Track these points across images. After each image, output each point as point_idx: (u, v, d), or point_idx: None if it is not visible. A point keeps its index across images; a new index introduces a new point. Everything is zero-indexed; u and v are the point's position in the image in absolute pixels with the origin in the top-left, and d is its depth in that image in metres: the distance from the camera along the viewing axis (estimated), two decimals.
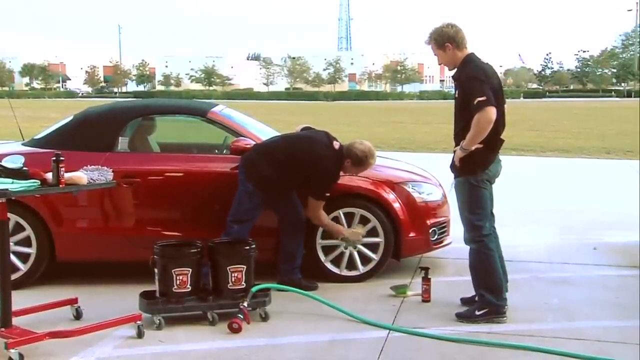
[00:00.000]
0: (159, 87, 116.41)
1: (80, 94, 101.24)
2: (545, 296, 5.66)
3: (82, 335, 4.39)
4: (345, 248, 5.96)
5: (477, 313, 4.96)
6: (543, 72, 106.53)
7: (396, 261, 6.20)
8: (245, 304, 4.87)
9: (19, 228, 5.67)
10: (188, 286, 4.87)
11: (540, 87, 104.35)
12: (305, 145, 5.68)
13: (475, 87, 4.77)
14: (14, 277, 5.15)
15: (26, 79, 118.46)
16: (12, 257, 5.23)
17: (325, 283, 5.83)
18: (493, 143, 4.89)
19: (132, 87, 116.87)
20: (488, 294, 4.97)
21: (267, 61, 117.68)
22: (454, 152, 4.98)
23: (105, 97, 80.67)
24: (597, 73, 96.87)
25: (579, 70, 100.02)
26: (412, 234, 6.03)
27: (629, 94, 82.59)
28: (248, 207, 5.54)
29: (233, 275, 4.97)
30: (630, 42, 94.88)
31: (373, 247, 5.98)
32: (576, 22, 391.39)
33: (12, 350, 4.09)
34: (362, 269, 6.00)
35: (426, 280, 5.44)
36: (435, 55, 5.10)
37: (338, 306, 5.10)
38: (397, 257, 6.13)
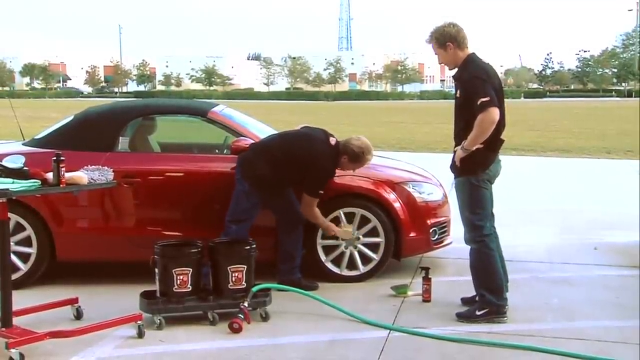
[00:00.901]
0: (160, 87, 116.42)
1: (81, 94, 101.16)
2: (546, 296, 5.66)
3: (82, 335, 4.39)
4: (346, 248, 5.96)
5: (478, 313, 4.96)
6: (543, 72, 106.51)
7: (397, 261, 6.20)
8: (246, 304, 4.87)
9: (19, 228, 5.67)
10: (188, 286, 4.87)
11: (541, 87, 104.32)
12: (301, 142, 5.68)
13: (478, 87, 4.77)
14: (14, 276, 5.16)
15: (27, 79, 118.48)
16: (13, 257, 5.24)
17: (326, 283, 5.83)
18: (494, 143, 4.89)
19: (132, 87, 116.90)
20: (488, 294, 4.97)
21: (268, 61, 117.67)
22: (454, 152, 4.98)
23: (106, 97, 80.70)
24: (598, 73, 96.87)
25: (579, 70, 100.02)
26: (412, 234, 6.03)
27: (629, 94, 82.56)
28: (246, 207, 5.53)
29: (233, 275, 4.97)
30: (630, 42, 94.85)
31: (373, 247, 5.98)
32: (577, 21, 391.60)
33: (12, 350, 4.09)
34: (362, 269, 6.00)
35: (427, 280, 5.44)
36: (436, 54, 5.10)
37: (338, 306, 5.11)
38: (397, 257, 6.13)
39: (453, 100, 5.10)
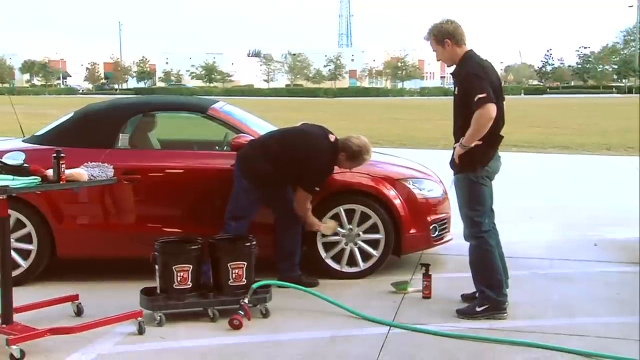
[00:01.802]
0: (160, 84, 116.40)
1: (80, 91, 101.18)
2: (546, 292, 5.66)
3: (83, 332, 4.39)
4: (346, 244, 5.97)
5: (478, 309, 4.97)
6: (544, 69, 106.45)
7: (397, 258, 6.21)
8: (246, 301, 4.87)
9: (19, 225, 5.67)
10: (189, 283, 4.87)
11: (541, 84, 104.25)
12: (300, 138, 5.68)
13: (475, 83, 4.78)
14: (15, 273, 5.17)
15: (26, 76, 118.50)
16: (13, 254, 5.24)
17: (326, 279, 5.84)
18: (492, 139, 4.89)
19: (132, 83, 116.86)
20: (488, 290, 4.97)
21: (268, 58, 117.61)
22: (454, 148, 4.98)
23: (106, 94, 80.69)
24: (598, 69, 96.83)
25: (579, 66, 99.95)
26: (412, 231, 6.03)
27: (629, 90, 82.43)
28: (244, 204, 5.53)
29: (234, 271, 4.98)
30: (631, 38, 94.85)
31: (374, 244, 5.98)
32: (577, 18, 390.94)
33: (13, 347, 4.09)
34: (362, 266, 6.00)
35: (427, 276, 5.45)
36: (434, 51, 5.10)
37: (339, 302, 5.11)
38: (397, 254, 6.13)
39: (453, 97, 5.10)
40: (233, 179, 5.62)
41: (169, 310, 4.86)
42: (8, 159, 4.52)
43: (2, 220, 4.28)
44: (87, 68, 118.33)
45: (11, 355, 4.09)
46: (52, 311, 4.85)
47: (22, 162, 4.49)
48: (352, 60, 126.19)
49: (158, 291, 4.92)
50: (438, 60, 5.19)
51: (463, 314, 5.00)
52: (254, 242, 5.11)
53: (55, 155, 4.37)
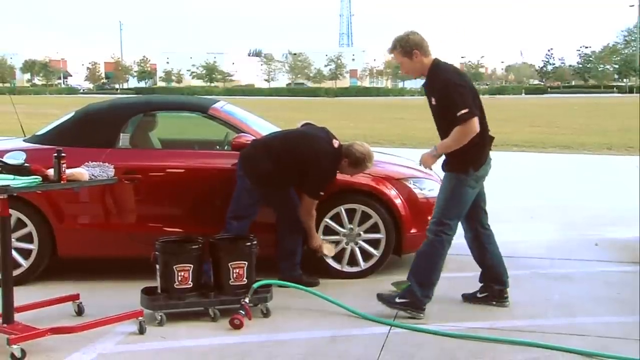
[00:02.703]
0: (160, 84, 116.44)
1: (81, 90, 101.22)
2: (547, 292, 5.66)
3: (83, 331, 4.39)
4: (347, 244, 5.97)
5: (397, 300, 4.98)
6: (544, 68, 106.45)
7: (397, 257, 6.21)
8: (247, 300, 4.88)
9: (20, 224, 5.67)
10: (189, 282, 4.87)
11: (542, 83, 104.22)
12: (304, 141, 5.68)
13: (456, 97, 4.75)
14: (15, 273, 5.18)
15: (27, 76, 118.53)
16: (14, 253, 5.24)
17: (327, 279, 5.84)
18: (486, 139, 4.89)
19: (133, 83, 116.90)
20: (416, 286, 4.95)
21: (269, 57, 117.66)
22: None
23: (107, 94, 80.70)
24: (599, 69, 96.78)
25: (580, 66, 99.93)
26: (413, 230, 6.03)
27: (630, 90, 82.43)
28: (247, 204, 5.54)
29: (234, 271, 4.98)
30: (632, 37, 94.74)
31: (374, 243, 5.98)
32: (578, 18, 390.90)
33: (14, 346, 4.10)
34: (363, 265, 6.00)
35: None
36: (399, 62, 5.07)
37: (339, 302, 5.11)
38: (398, 254, 6.13)
39: (430, 107, 5.04)
40: (234, 179, 5.62)
41: (170, 309, 4.87)
42: (9, 159, 4.52)
43: (3, 220, 4.28)
44: (87, 68, 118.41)
45: (12, 355, 4.10)
46: (53, 311, 4.85)
47: (23, 161, 4.49)
48: (353, 59, 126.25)
49: (159, 291, 4.92)
50: (405, 73, 5.16)
51: (382, 299, 5.02)
52: (255, 242, 5.11)
53: (56, 154, 4.37)
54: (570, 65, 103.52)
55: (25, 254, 5.74)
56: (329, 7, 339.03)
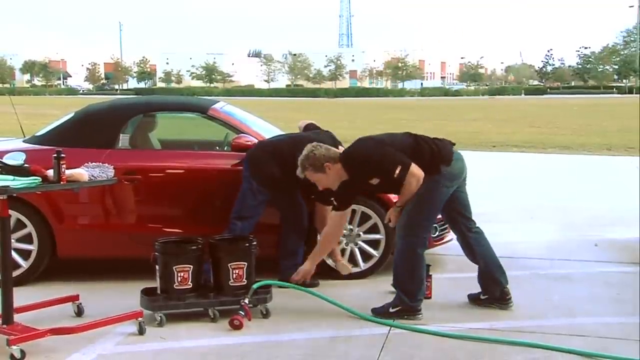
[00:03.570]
0: (160, 84, 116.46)
1: (81, 91, 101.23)
2: (547, 293, 5.66)
3: (83, 332, 4.39)
4: (347, 245, 5.97)
5: (391, 310, 4.95)
6: (544, 69, 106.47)
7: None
8: (247, 301, 4.87)
9: (20, 225, 5.67)
10: (189, 283, 4.87)
11: (541, 84, 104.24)
12: None
13: (382, 163, 4.76)
14: (15, 273, 5.18)
15: (27, 76, 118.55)
16: (14, 254, 5.24)
17: (327, 280, 5.84)
18: (433, 144, 4.93)
19: (133, 84, 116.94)
20: (402, 294, 4.94)
21: (268, 58, 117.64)
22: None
23: (106, 94, 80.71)
24: (599, 70, 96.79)
25: (580, 66, 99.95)
26: None
27: (630, 91, 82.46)
28: (252, 204, 5.54)
29: (234, 271, 4.98)
30: (631, 38, 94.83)
31: (374, 244, 5.98)
32: (577, 18, 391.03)
33: (13, 347, 4.09)
34: (363, 266, 6.00)
35: (427, 277, 5.43)
36: (315, 182, 5.03)
37: (339, 303, 5.11)
38: None
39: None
40: (233, 180, 5.63)
41: (170, 310, 4.86)
42: (9, 159, 4.52)
43: (3, 221, 4.28)
44: (87, 68, 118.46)
45: (12, 356, 4.09)
46: (52, 311, 4.85)
47: (22, 162, 4.49)
48: (353, 60, 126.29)
49: (158, 291, 4.92)
50: (324, 189, 5.09)
51: (377, 312, 4.98)
52: (255, 243, 5.11)
53: (55, 155, 4.37)
54: (569, 66, 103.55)
55: (25, 254, 5.73)
56: (329, 7, 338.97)
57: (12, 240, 4.95)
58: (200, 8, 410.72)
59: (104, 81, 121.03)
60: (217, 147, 6.41)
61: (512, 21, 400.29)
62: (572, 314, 5.14)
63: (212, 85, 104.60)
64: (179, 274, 4.85)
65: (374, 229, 5.95)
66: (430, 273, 5.44)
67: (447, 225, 6.36)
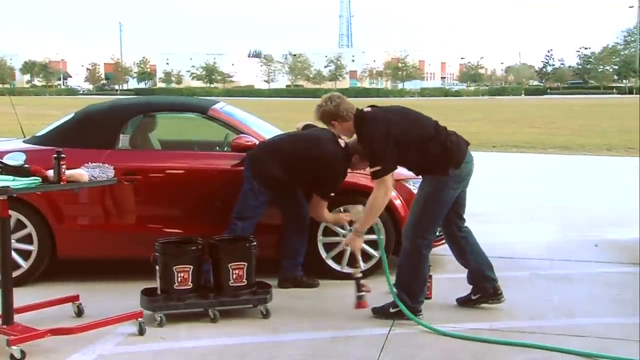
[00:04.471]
0: (160, 85, 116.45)
1: (81, 92, 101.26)
2: (546, 293, 5.66)
3: (83, 333, 4.40)
4: (347, 245, 5.96)
5: (392, 310, 4.94)
6: (544, 69, 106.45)
7: (397, 258, 6.19)
8: (360, 275, 5.01)
9: (20, 225, 5.67)
10: (189, 283, 4.87)
11: (541, 84, 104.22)
12: (312, 144, 5.66)
13: (374, 151, 4.77)
14: (15, 274, 5.18)
15: (27, 77, 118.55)
16: (14, 254, 5.24)
17: (327, 280, 5.84)
18: (447, 142, 4.86)
19: (133, 84, 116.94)
20: (404, 295, 4.94)
21: (268, 58, 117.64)
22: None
23: (106, 95, 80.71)
24: (599, 70, 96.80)
25: (580, 67, 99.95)
26: None
27: (630, 91, 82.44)
28: (253, 205, 5.54)
29: (234, 272, 4.98)
30: (632, 38, 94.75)
31: (374, 244, 5.98)
32: (577, 18, 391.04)
33: (13, 347, 4.10)
34: (363, 266, 5.98)
35: (427, 277, 5.44)
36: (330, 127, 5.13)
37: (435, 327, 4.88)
38: (398, 254, 6.11)
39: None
40: (234, 180, 5.63)
41: (170, 310, 4.86)
42: (9, 160, 4.51)
43: (3, 221, 4.28)
44: (87, 69, 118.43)
45: (12, 356, 4.10)
46: (52, 312, 4.85)
47: (22, 162, 4.48)
48: (353, 60, 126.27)
49: (158, 292, 4.92)
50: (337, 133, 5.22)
51: (377, 312, 4.99)
52: (254, 243, 5.11)
53: (55, 155, 4.37)
54: (569, 66, 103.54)
55: (25, 255, 5.74)
56: (329, 8, 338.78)
57: (12, 241, 4.95)
58: (200, 8, 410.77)
59: (104, 81, 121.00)
60: (217, 148, 6.41)
61: (512, 21, 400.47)
62: (572, 314, 5.14)
63: (212, 85, 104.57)
64: (179, 275, 4.85)
65: (374, 230, 5.94)
66: (430, 273, 5.44)
67: None
